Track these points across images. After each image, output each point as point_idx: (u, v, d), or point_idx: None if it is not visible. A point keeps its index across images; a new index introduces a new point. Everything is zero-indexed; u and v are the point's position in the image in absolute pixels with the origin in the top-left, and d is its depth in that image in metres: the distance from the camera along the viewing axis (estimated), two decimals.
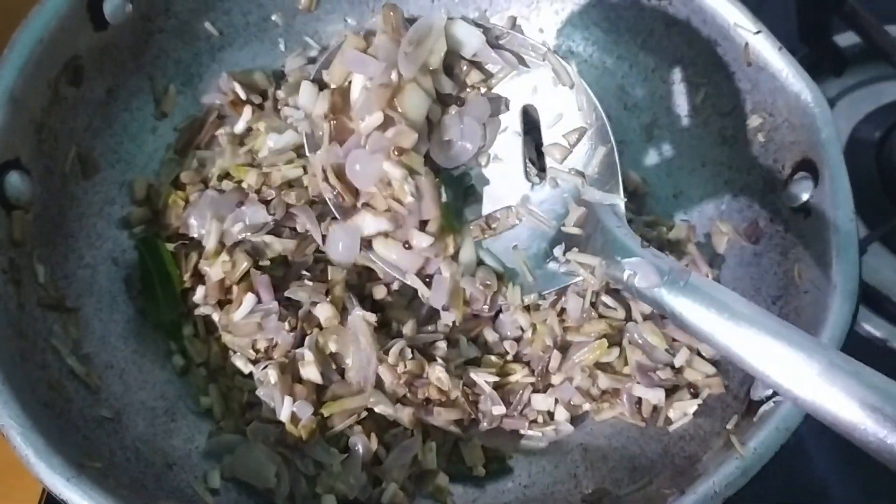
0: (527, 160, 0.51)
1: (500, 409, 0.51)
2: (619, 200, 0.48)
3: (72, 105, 0.51)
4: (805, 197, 0.50)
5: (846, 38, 0.76)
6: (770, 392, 0.46)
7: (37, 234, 0.48)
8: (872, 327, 0.62)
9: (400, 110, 0.46)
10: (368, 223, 0.49)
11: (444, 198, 0.48)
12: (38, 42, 0.47)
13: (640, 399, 0.51)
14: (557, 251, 0.49)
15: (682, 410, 0.51)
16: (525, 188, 0.51)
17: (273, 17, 0.60)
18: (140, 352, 0.52)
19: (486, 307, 0.50)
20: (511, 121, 0.50)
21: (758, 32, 0.52)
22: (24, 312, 0.46)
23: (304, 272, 0.52)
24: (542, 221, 0.50)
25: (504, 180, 0.50)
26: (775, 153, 0.53)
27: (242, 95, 0.57)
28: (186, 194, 0.55)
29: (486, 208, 0.51)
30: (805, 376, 0.37)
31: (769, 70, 0.52)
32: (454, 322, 0.53)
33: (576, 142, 0.49)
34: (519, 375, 0.53)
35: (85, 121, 0.52)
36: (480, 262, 0.51)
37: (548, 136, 0.50)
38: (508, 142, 0.50)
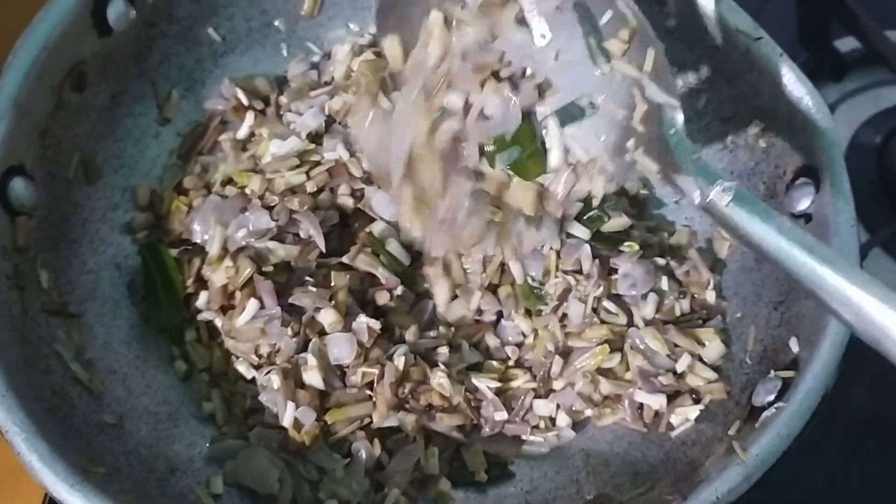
0: (592, 49, 0.48)
1: (502, 415, 0.52)
2: (677, 103, 0.46)
3: (75, 111, 0.51)
4: (806, 203, 0.50)
5: (846, 43, 0.76)
6: (772, 398, 0.46)
7: (40, 240, 0.49)
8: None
9: None
10: None
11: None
12: (43, 49, 0.47)
13: (641, 404, 0.52)
14: (630, 144, 0.47)
15: (684, 416, 0.51)
16: (595, 78, 0.48)
17: (276, 23, 0.60)
18: (142, 357, 0.52)
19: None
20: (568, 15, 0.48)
21: (759, 38, 0.52)
22: (27, 318, 0.47)
23: (308, 278, 0.52)
24: (617, 111, 0.47)
25: (574, 70, 0.48)
26: (776, 159, 0.53)
27: (245, 101, 0.57)
28: (189, 200, 0.55)
29: (565, 98, 0.48)
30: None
31: (770, 76, 0.52)
32: (455, 327, 0.53)
33: (629, 38, 0.47)
34: (520, 381, 0.53)
35: (88, 126, 0.53)
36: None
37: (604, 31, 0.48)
38: (571, 34, 0.47)
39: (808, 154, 0.51)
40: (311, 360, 0.49)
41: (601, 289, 0.54)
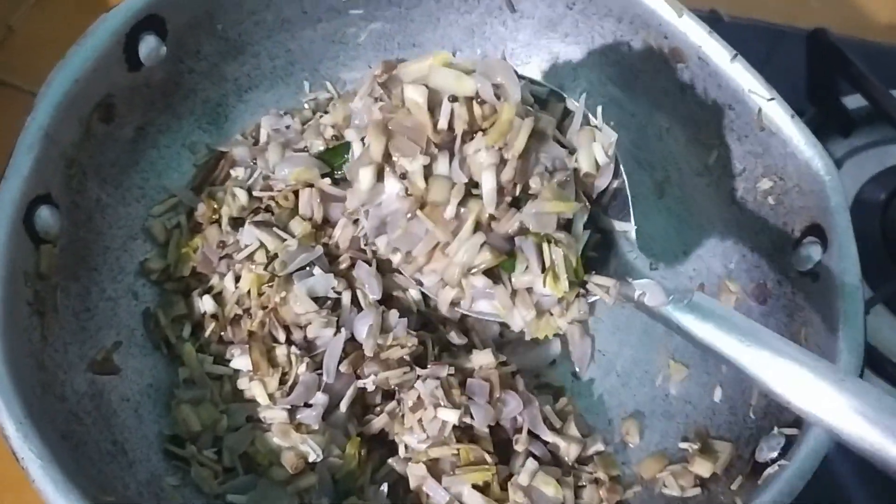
0: None
1: None
2: (631, 228, 0.50)
3: (102, 141, 0.52)
4: (813, 262, 0.51)
5: (854, 100, 0.78)
6: (775, 454, 0.47)
7: (62, 267, 0.49)
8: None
9: None
10: None
11: None
12: (74, 82, 0.49)
13: None
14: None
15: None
16: None
17: (299, 63, 0.61)
18: (155, 385, 0.53)
19: None
20: None
21: (771, 99, 0.54)
22: (47, 344, 0.47)
23: None
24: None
25: None
26: (785, 216, 0.54)
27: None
28: (196, 244, 0.56)
29: None
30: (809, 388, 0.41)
31: (781, 136, 0.53)
32: None
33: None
34: None
35: (113, 157, 0.54)
36: None
37: None
38: None
39: (817, 214, 0.52)
40: None
41: None
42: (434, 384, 0.51)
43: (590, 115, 0.51)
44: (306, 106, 0.62)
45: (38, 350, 0.46)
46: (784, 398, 0.41)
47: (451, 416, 0.50)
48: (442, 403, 0.50)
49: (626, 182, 0.51)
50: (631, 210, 0.50)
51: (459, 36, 0.63)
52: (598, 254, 0.50)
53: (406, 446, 0.51)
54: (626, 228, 0.50)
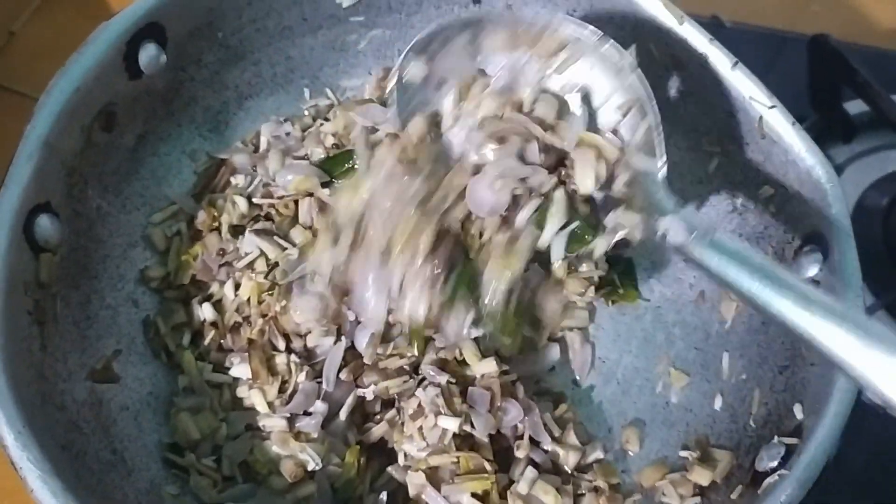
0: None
1: None
2: (658, 167, 0.50)
3: (103, 150, 0.52)
4: (814, 270, 0.51)
5: (855, 106, 0.78)
6: (775, 464, 0.47)
7: (62, 276, 0.50)
8: (874, 395, 0.62)
9: None
10: None
11: None
12: (75, 91, 0.49)
13: None
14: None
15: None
16: None
17: (299, 70, 0.61)
18: (155, 394, 0.53)
19: None
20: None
21: (772, 107, 0.53)
22: (46, 354, 0.47)
23: None
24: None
25: None
26: (785, 224, 0.54)
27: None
28: (196, 251, 0.56)
29: None
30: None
31: (782, 144, 0.53)
32: None
33: (626, 112, 0.51)
34: None
35: (114, 165, 0.54)
36: None
37: (603, 110, 0.52)
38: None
39: (817, 222, 0.51)
40: None
41: None
42: (434, 392, 0.51)
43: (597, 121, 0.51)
44: (306, 113, 0.62)
45: (38, 359, 0.47)
46: (805, 336, 0.41)
47: (451, 425, 0.50)
48: (443, 412, 0.50)
49: (656, 117, 0.50)
50: (663, 150, 0.50)
51: None
52: (630, 190, 0.50)
53: (405, 454, 0.51)
54: (654, 168, 0.50)
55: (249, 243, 0.53)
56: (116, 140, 0.53)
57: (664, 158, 0.50)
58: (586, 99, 0.51)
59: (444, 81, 0.50)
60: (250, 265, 0.54)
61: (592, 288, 0.59)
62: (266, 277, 0.53)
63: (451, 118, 0.50)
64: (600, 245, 0.49)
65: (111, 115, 0.52)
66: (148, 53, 0.52)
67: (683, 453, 0.54)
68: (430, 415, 0.50)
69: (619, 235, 0.49)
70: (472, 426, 0.51)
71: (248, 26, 0.58)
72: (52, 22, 0.75)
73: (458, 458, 0.50)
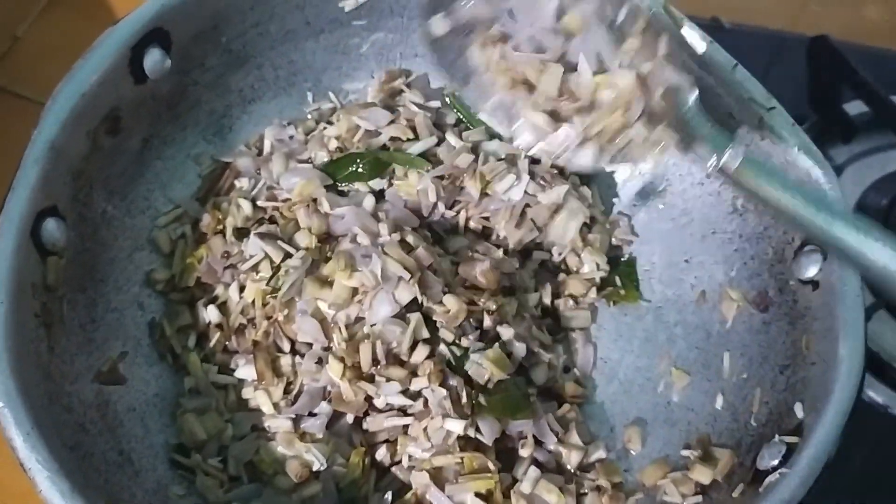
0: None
1: None
2: (690, 81, 0.49)
3: (108, 154, 0.53)
4: (814, 270, 0.51)
5: (855, 107, 0.78)
6: (776, 462, 0.47)
7: (68, 279, 0.50)
8: (875, 393, 0.63)
9: None
10: None
11: None
12: (81, 96, 0.49)
13: None
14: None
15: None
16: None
17: (302, 73, 0.62)
18: (161, 395, 0.54)
19: None
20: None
21: (772, 108, 0.54)
22: (53, 355, 0.48)
23: None
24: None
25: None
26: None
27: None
28: (201, 254, 0.56)
29: None
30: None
31: (781, 145, 0.53)
32: None
33: (643, 30, 0.50)
34: None
35: (120, 169, 0.54)
36: None
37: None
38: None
39: None
40: None
41: None
42: (443, 393, 0.51)
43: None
44: (309, 116, 0.63)
45: (45, 361, 0.47)
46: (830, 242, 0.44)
47: (457, 427, 0.50)
48: (450, 414, 0.50)
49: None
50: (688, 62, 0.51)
51: None
52: (666, 104, 0.49)
53: (409, 456, 0.51)
54: (683, 83, 0.49)
55: (254, 246, 0.54)
56: (122, 144, 0.54)
57: (691, 78, 0.49)
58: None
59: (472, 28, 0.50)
60: (254, 268, 0.54)
61: (594, 289, 0.60)
62: (269, 283, 0.53)
63: None
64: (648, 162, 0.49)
65: (117, 119, 0.53)
66: (153, 58, 0.53)
67: (685, 452, 0.54)
68: (436, 416, 0.50)
69: (659, 150, 0.49)
70: (478, 430, 0.51)
71: (251, 30, 0.58)
72: (57, 26, 0.75)
73: (461, 458, 0.50)
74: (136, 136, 0.55)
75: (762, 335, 0.55)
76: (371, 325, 0.51)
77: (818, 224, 0.44)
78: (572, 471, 0.54)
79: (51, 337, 0.48)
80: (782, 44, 0.81)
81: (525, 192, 0.57)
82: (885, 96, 0.73)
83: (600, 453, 0.55)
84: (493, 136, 0.60)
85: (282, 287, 0.52)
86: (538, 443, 0.53)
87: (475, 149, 0.58)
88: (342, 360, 0.50)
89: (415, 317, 0.50)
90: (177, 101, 0.57)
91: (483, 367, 0.51)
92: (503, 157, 0.58)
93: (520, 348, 0.53)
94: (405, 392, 0.51)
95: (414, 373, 0.51)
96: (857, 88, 0.74)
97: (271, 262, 0.53)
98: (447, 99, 0.62)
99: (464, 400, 0.51)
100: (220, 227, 0.57)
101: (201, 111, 0.59)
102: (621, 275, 0.61)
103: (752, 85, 0.54)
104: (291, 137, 0.61)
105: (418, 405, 0.51)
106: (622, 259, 0.61)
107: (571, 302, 0.60)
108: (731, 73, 0.54)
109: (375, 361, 0.50)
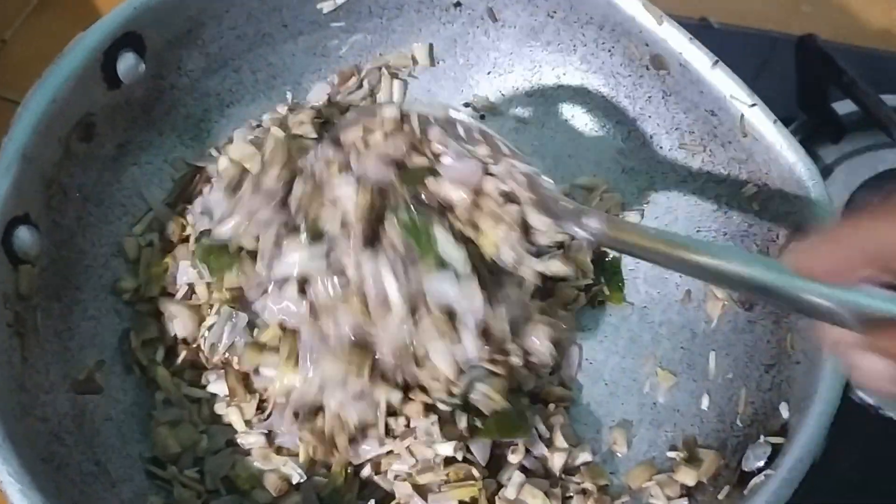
0: None
1: None
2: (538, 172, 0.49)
3: (82, 160, 0.52)
4: None
5: (844, 106, 0.77)
6: (761, 463, 0.47)
7: (43, 287, 0.49)
8: (865, 394, 0.62)
9: None
10: None
11: None
12: (52, 102, 0.48)
13: None
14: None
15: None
16: None
17: (280, 76, 0.61)
18: (139, 404, 0.53)
19: None
20: None
21: (753, 105, 0.53)
22: (26, 365, 0.47)
23: None
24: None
25: None
26: (769, 222, 0.54)
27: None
28: (168, 262, 0.55)
29: None
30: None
31: (763, 142, 0.53)
32: None
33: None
34: None
35: (94, 175, 0.54)
36: None
37: None
38: None
39: (801, 220, 0.51)
40: None
41: None
42: (432, 419, 0.50)
43: None
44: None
45: (19, 371, 0.46)
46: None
47: (446, 450, 0.49)
48: (437, 440, 0.49)
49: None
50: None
51: (442, 46, 0.63)
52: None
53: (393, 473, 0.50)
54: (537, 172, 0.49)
55: (182, 272, 0.53)
56: (96, 150, 0.53)
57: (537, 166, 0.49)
58: None
59: None
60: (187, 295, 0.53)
61: (582, 295, 0.59)
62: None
63: None
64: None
65: (90, 125, 0.52)
66: (126, 63, 0.52)
67: (671, 454, 0.53)
68: (423, 442, 0.49)
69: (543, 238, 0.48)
70: (469, 451, 0.50)
71: (228, 33, 0.58)
72: (44, 30, 0.75)
73: (447, 473, 0.49)
74: (110, 141, 0.54)
75: (747, 334, 0.54)
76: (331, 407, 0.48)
77: (682, 256, 0.41)
78: (557, 474, 0.53)
79: (24, 346, 0.47)
80: (772, 44, 0.80)
81: None
82: (874, 95, 0.73)
83: (586, 456, 0.54)
84: None
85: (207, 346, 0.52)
86: (527, 449, 0.53)
87: None
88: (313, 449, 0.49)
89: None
90: (152, 106, 0.56)
91: (491, 398, 0.50)
92: None
93: (527, 378, 0.53)
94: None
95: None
96: (845, 87, 0.74)
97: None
98: None
99: (462, 425, 0.50)
100: (185, 234, 0.56)
101: (178, 115, 0.58)
102: (606, 275, 0.60)
103: (733, 82, 0.54)
104: None
105: (401, 424, 0.50)
106: (606, 260, 0.60)
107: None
108: (710, 71, 0.54)
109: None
